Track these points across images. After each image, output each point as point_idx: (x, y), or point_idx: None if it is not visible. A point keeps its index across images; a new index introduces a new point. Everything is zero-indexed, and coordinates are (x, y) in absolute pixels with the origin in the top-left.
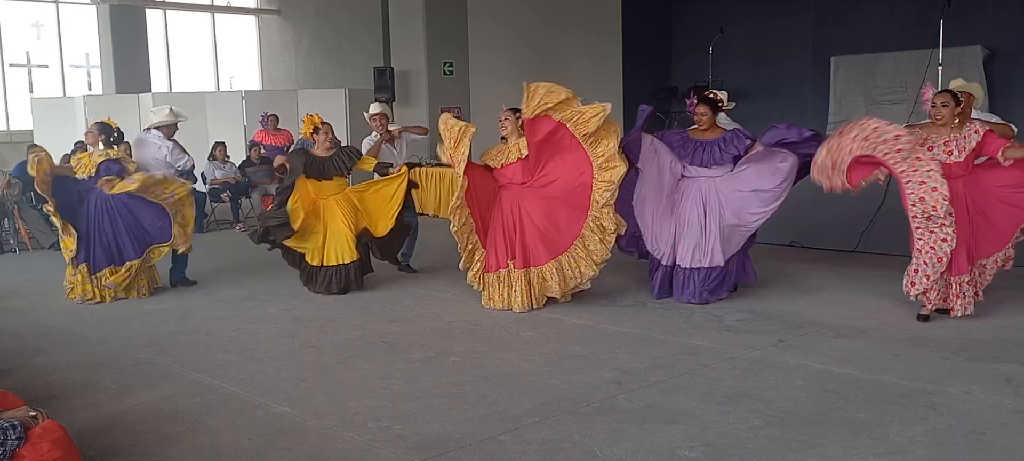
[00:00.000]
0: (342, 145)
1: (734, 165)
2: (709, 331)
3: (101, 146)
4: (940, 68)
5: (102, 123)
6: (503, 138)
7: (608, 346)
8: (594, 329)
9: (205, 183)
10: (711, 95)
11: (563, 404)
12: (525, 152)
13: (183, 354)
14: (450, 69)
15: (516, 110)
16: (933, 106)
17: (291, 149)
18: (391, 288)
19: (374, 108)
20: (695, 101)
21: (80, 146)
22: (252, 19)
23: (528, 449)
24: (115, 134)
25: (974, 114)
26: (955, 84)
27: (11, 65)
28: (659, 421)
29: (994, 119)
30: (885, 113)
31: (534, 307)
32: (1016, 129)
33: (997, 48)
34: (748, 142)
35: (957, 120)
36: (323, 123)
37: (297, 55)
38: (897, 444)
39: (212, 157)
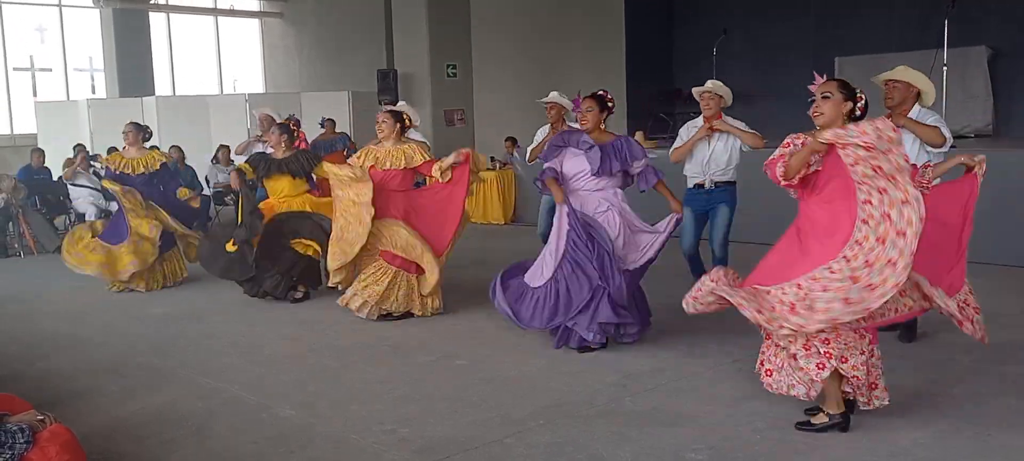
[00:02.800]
0: (303, 148)
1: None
2: (713, 333)
3: (141, 143)
4: (945, 68)
5: (136, 123)
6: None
7: (611, 349)
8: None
9: (209, 186)
10: (602, 93)
11: (567, 407)
12: (404, 164)
13: (186, 357)
14: (453, 71)
15: (394, 112)
16: (814, 98)
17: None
18: None
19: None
20: (580, 99)
21: (80, 148)
22: (255, 22)
23: (532, 452)
24: (148, 133)
25: (916, 111)
26: (898, 71)
27: (15, 69)
28: (663, 424)
29: (929, 119)
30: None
31: (405, 313)
32: (947, 138)
33: (1001, 48)
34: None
35: (843, 121)
36: (279, 124)
37: (300, 58)
38: (902, 446)
39: (215, 160)
